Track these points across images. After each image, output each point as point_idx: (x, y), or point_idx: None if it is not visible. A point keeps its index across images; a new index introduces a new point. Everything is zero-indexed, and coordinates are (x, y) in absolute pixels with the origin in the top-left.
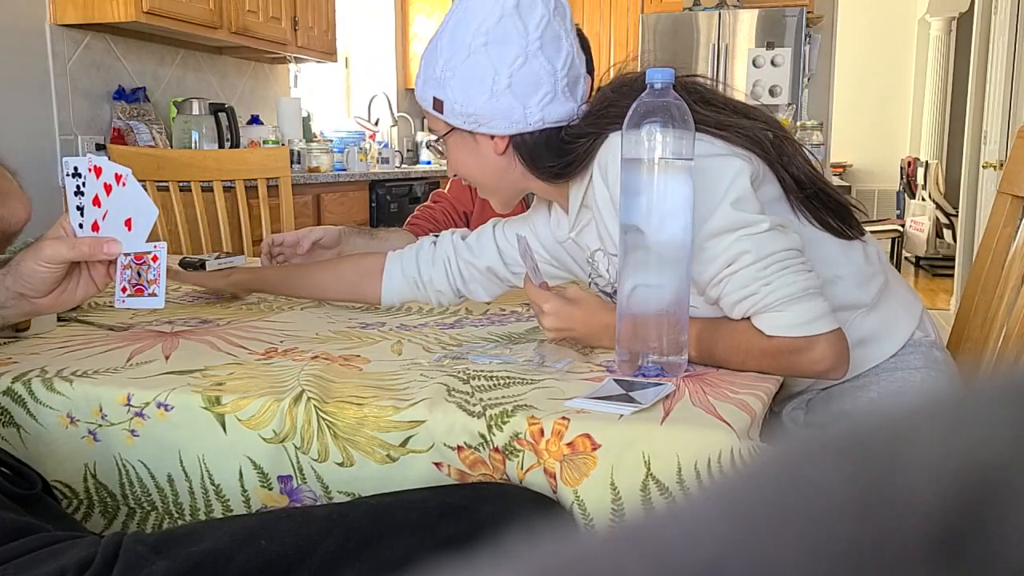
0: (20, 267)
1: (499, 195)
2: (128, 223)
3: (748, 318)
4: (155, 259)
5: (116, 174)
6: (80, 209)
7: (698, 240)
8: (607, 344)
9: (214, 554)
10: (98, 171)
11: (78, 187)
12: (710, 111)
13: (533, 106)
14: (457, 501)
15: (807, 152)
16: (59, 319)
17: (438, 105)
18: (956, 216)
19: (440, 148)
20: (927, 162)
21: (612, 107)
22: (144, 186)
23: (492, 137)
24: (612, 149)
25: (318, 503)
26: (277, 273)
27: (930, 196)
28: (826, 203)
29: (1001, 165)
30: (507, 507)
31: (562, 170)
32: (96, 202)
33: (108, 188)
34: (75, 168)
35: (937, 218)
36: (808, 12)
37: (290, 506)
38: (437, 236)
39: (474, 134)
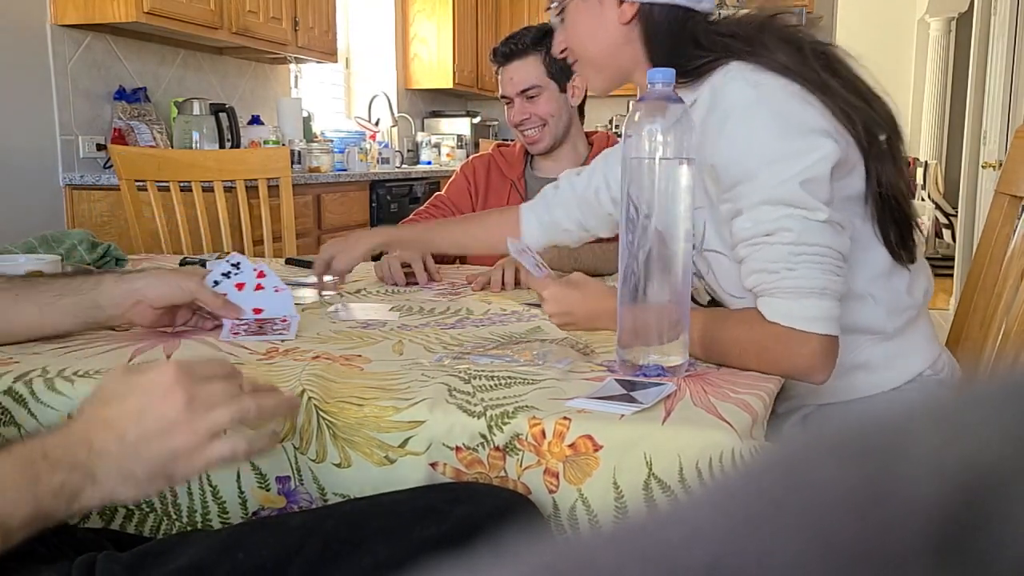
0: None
1: (603, 73)
2: (256, 311)
3: (752, 309)
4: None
5: (275, 287)
6: (216, 284)
7: (754, 196)
8: (608, 326)
9: (190, 570)
10: (260, 275)
11: (229, 273)
12: (835, 83)
13: None
14: (430, 504)
15: (905, 159)
16: None
17: None
18: (955, 216)
19: (556, 17)
20: (926, 162)
21: (745, 35)
22: (145, 186)
23: (621, 2)
24: (732, 78)
25: (314, 505)
26: (422, 231)
27: (929, 196)
28: (895, 215)
29: (1000, 165)
30: (480, 507)
31: (675, 62)
32: (239, 287)
33: (259, 287)
34: (238, 263)
35: (936, 218)
36: (808, 12)
37: (266, 515)
38: (557, 181)
39: None
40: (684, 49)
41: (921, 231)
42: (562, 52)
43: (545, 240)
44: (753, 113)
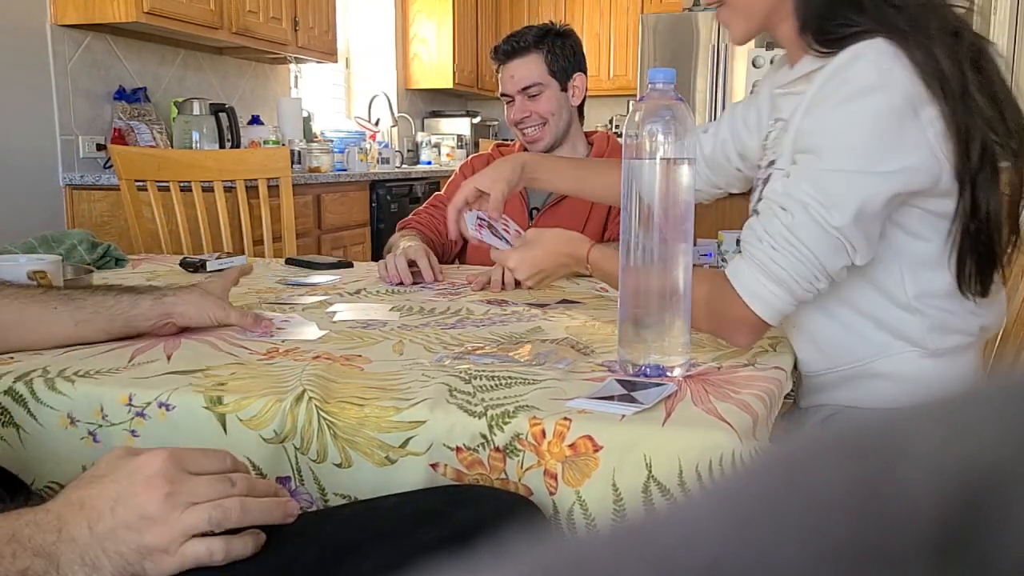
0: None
1: (744, 12)
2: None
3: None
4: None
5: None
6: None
7: (805, 169)
8: (578, 269)
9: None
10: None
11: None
12: (974, 88)
13: None
14: (431, 507)
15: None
16: None
17: None
18: None
19: None
20: None
21: (910, 10)
22: (145, 186)
23: None
24: (866, 57)
25: (315, 506)
26: (565, 167)
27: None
28: (981, 248)
29: None
30: (482, 510)
31: (823, 23)
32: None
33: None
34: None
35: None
36: None
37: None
38: None
39: None
40: (840, 11)
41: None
42: (545, 93)
43: None
44: (863, 103)
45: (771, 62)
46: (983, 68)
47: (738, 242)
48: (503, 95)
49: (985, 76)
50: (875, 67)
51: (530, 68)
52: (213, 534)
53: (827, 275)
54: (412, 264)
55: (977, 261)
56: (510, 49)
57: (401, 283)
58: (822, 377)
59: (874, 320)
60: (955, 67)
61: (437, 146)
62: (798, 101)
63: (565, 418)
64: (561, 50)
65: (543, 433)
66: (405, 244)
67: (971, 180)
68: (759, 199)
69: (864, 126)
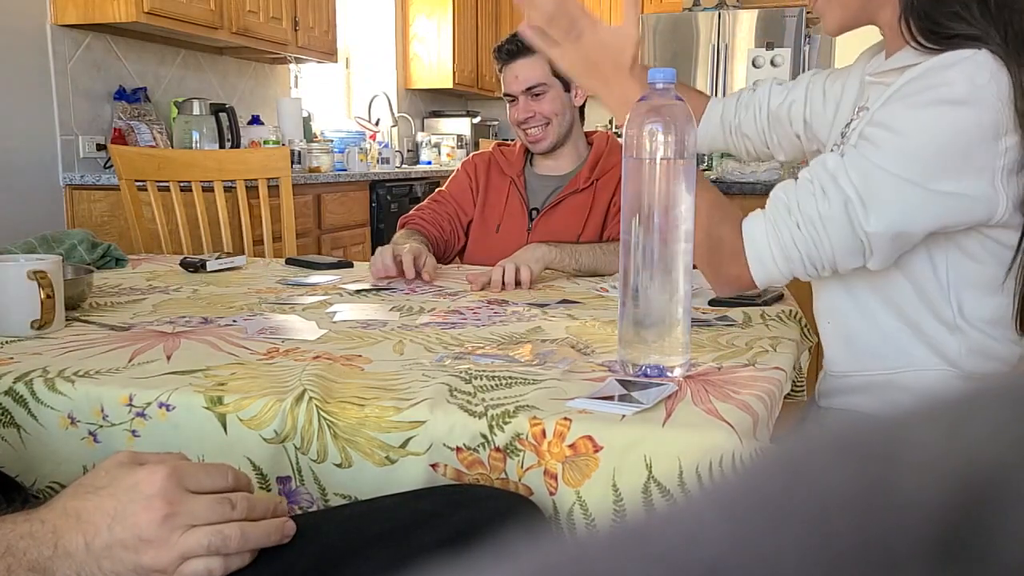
0: None
1: (847, 7)
2: None
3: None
4: None
5: None
6: None
7: (864, 157)
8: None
9: None
10: None
11: None
12: None
13: None
14: (430, 508)
15: None
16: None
17: None
18: None
19: None
20: None
21: (1015, 21)
22: (145, 186)
23: None
24: (962, 65)
25: (315, 506)
26: None
27: None
28: None
29: None
30: (482, 510)
31: (931, 17)
32: None
33: None
34: None
35: None
36: (808, 12)
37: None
38: (756, 83)
39: None
40: (954, 6)
41: None
42: (549, 93)
43: (720, 141)
44: (943, 112)
45: (771, 62)
46: None
47: None
48: (506, 95)
49: None
50: (970, 80)
51: (534, 68)
52: None
53: (835, 270)
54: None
55: None
56: (514, 49)
57: (387, 278)
58: (848, 379)
59: (914, 330)
60: None
61: (437, 146)
62: (883, 92)
63: (565, 418)
64: None
65: (543, 433)
66: (402, 243)
67: None
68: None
69: (935, 137)
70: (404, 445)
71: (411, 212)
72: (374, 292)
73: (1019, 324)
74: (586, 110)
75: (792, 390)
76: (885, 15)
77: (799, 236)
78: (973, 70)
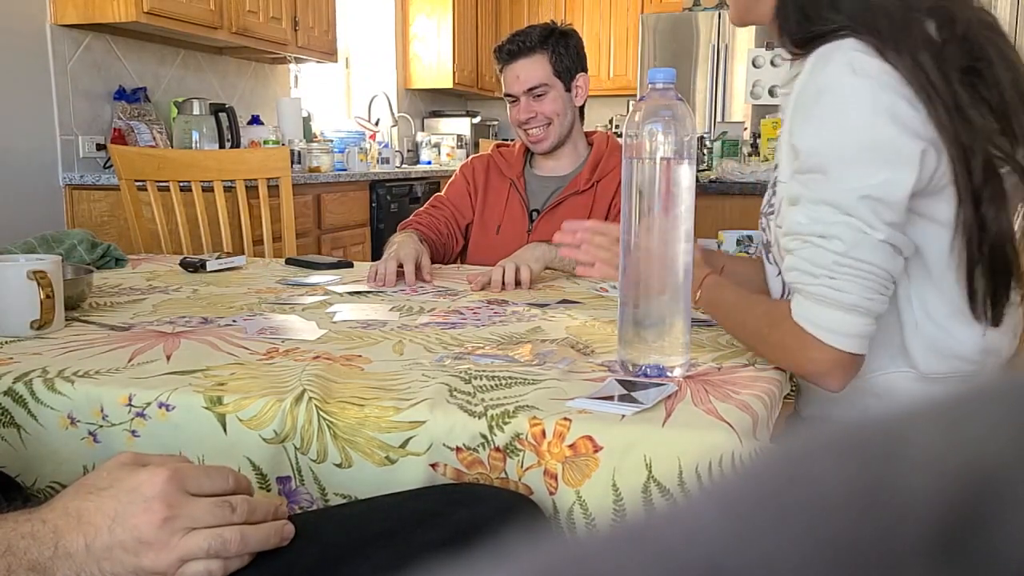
0: None
1: (734, 3)
2: None
3: (782, 304)
4: None
5: None
6: None
7: (818, 191)
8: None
9: None
10: None
11: None
12: (958, 83)
13: None
14: (430, 507)
15: None
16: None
17: None
18: None
19: None
20: None
21: (890, 9)
22: (145, 186)
23: None
24: (837, 58)
25: (315, 506)
26: None
27: None
28: (994, 268)
29: None
30: (482, 509)
31: (799, 19)
32: None
33: None
34: None
35: None
36: None
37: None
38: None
39: None
40: (819, 9)
41: None
42: (550, 93)
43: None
44: (847, 105)
45: (771, 62)
46: (982, 72)
47: (738, 242)
48: (507, 95)
49: (987, 80)
50: (851, 67)
51: (535, 68)
52: None
53: (892, 279)
54: (401, 267)
55: (991, 284)
56: (515, 49)
57: (385, 285)
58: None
59: (881, 332)
60: (940, 78)
61: (437, 146)
62: (785, 104)
63: (565, 418)
64: (565, 50)
65: (543, 433)
66: (398, 245)
67: (973, 195)
68: (769, 203)
69: (858, 131)
70: (404, 445)
71: (410, 218)
72: (374, 292)
73: (973, 308)
74: (585, 109)
75: (791, 392)
76: (772, 27)
77: (843, 283)
78: (845, 59)
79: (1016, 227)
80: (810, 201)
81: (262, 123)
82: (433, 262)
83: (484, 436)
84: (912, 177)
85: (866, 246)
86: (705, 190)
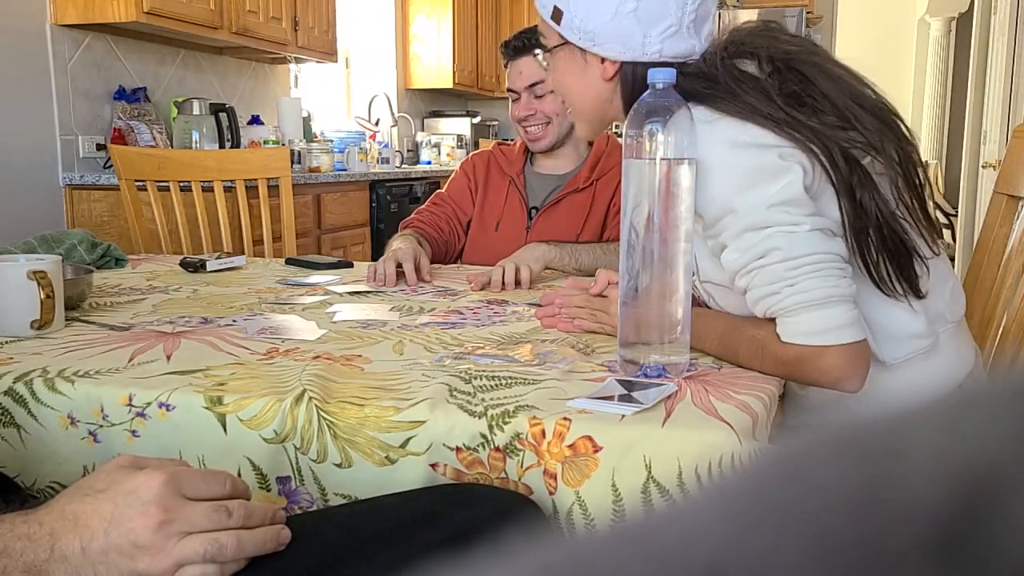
0: None
1: (587, 123)
2: None
3: (769, 320)
4: None
5: None
6: None
7: (734, 227)
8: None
9: None
10: None
11: None
12: (787, 106)
13: (654, 36)
14: (430, 507)
15: (914, 170)
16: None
17: (557, 15)
18: (955, 216)
19: (544, 62)
20: (926, 162)
21: (709, 75)
22: (145, 186)
23: (603, 60)
24: (698, 115)
25: (315, 506)
26: None
27: (930, 196)
28: (887, 244)
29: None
30: (482, 510)
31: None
32: None
33: None
34: None
35: (936, 218)
36: (808, 12)
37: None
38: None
39: (585, 53)
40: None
41: (927, 254)
42: (551, 93)
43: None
44: (717, 153)
45: None
46: (811, 93)
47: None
48: (509, 90)
49: (818, 99)
50: (707, 125)
51: (539, 65)
52: None
53: (843, 260)
54: (400, 267)
55: (891, 258)
56: (521, 45)
57: (385, 285)
58: (807, 397)
59: None
60: (774, 108)
61: (437, 146)
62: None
63: (565, 418)
64: None
65: (543, 433)
66: (397, 246)
67: (846, 185)
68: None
69: (737, 162)
70: (404, 445)
71: (411, 216)
72: (374, 292)
73: (887, 291)
74: None
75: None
76: (615, 113)
77: (802, 285)
78: (698, 119)
79: (904, 203)
80: (733, 238)
81: (262, 123)
82: (435, 260)
83: (484, 436)
84: (799, 175)
85: (801, 241)
86: None
